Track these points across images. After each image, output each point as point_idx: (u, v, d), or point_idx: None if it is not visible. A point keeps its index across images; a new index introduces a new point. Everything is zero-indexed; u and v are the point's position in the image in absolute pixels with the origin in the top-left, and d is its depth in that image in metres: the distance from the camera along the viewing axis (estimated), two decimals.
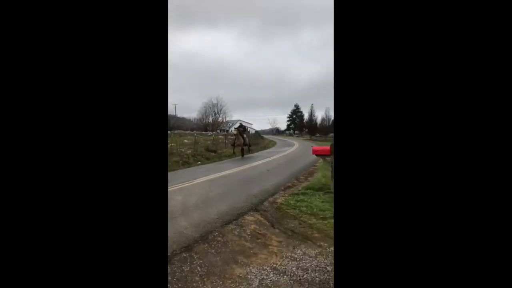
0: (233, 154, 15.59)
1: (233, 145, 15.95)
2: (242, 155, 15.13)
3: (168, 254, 3.27)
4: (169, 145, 16.19)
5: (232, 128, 17.02)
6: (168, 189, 6.68)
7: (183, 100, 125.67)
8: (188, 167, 11.28)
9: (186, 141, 19.66)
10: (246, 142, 16.11)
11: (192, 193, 6.38)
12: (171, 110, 61.53)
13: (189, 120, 68.90)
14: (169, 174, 9.31)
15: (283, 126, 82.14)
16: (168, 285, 2.69)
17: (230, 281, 2.78)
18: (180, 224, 4.28)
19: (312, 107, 68.93)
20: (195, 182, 7.77)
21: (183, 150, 14.77)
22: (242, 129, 16.37)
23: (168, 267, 2.98)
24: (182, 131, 43.99)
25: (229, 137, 16.52)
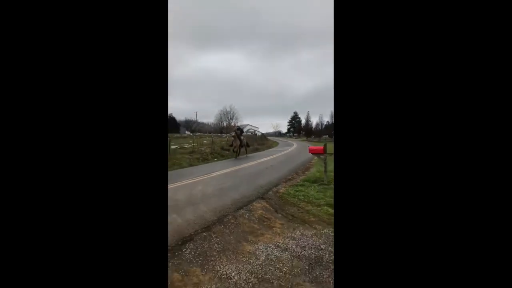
0: (234, 154, 13.93)
1: (231, 146, 14.56)
2: (237, 156, 13.65)
3: (191, 233, 3.31)
4: (191, 145, 16.28)
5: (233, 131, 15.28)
6: (191, 180, 6.74)
7: (203, 107, 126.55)
8: (207, 162, 11.32)
9: (205, 141, 19.71)
10: (243, 143, 14.68)
11: (210, 184, 6.41)
12: (193, 116, 61.84)
13: (207, 124, 69.01)
14: (191, 168, 9.39)
15: (284, 129, 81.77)
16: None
17: (241, 256, 2.80)
18: (201, 209, 4.32)
19: (308, 114, 69.32)
20: (212, 175, 7.80)
21: (202, 149, 14.84)
22: (239, 131, 14.95)
23: (191, 244, 3.02)
24: (201, 133, 44.19)
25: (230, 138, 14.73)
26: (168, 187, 5.97)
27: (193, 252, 2.84)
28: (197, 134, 38.11)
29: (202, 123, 69.48)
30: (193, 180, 6.83)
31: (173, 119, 61.69)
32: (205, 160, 11.90)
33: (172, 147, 13.63)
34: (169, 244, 3.01)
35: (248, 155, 14.93)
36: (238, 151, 13.90)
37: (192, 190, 5.65)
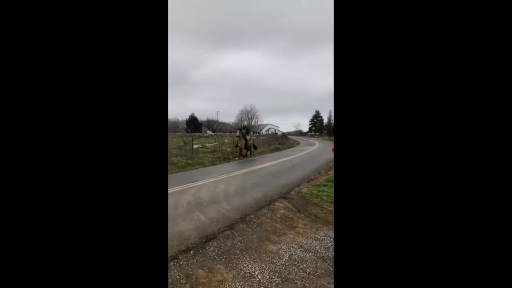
0: (240, 156, 12.74)
1: (236, 146, 13.47)
2: (240, 155, 12.63)
3: (215, 231, 3.37)
4: (213, 144, 16.52)
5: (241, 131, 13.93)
6: (213, 179, 6.86)
7: (223, 107, 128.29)
8: (228, 161, 11.46)
9: (226, 141, 19.99)
10: (249, 144, 13.26)
11: (231, 183, 6.48)
12: (214, 116, 62.88)
13: (228, 124, 69.89)
14: (213, 167, 9.53)
15: (305, 128, 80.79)
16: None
17: (264, 255, 2.80)
18: (223, 207, 4.38)
19: (330, 112, 67.27)
20: (233, 174, 7.88)
21: (224, 148, 15.05)
22: (245, 130, 13.82)
23: (215, 242, 3.07)
24: (222, 133, 44.78)
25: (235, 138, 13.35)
26: (192, 185, 6.12)
27: (216, 250, 2.89)
28: (218, 133, 38.66)
29: (223, 123, 70.54)
30: (215, 179, 6.94)
31: (195, 119, 63.08)
32: (226, 159, 12.05)
33: (195, 146, 13.95)
34: (193, 241, 3.08)
35: (253, 157, 13.12)
36: (245, 153, 12.95)
37: (215, 189, 5.74)
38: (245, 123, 62.30)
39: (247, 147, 13.16)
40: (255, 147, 14.40)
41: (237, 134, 13.42)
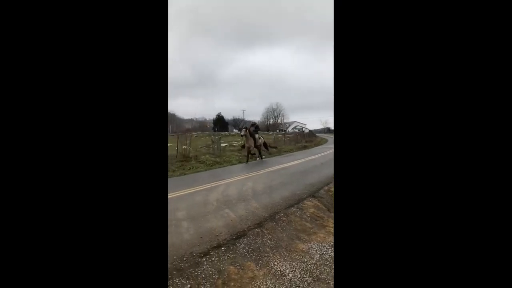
0: (250, 157, 10.96)
1: (242, 147, 11.45)
2: (248, 156, 10.84)
3: (244, 229, 3.41)
4: (239, 143, 16.69)
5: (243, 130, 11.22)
6: (241, 177, 6.94)
7: (250, 106, 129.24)
8: (255, 160, 11.54)
9: None
10: (258, 143, 11.24)
11: (259, 181, 6.52)
12: (240, 114, 63.58)
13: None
14: (240, 165, 9.64)
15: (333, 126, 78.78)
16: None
17: (295, 254, 2.79)
18: (252, 205, 4.42)
19: None
20: (260, 172, 7.92)
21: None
22: (253, 128, 11.54)
23: (245, 239, 3.12)
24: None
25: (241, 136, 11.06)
26: (220, 183, 6.25)
27: (247, 247, 2.93)
28: None
29: (249, 121, 70.94)
30: (242, 177, 7.03)
31: (222, 118, 64.27)
32: (252, 157, 12.13)
33: (222, 144, 14.23)
34: (224, 238, 3.15)
35: (264, 158, 11.59)
36: (248, 153, 10.90)
37: (243, 187, 5.81)
38: (271, 121, 62.05)
39: (256, 147, 11.15)
40: (266, 147, 12.40)
41: (242, 133, 10.85)
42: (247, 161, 10.58)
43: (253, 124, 12.19)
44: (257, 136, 11.29)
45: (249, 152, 10.83)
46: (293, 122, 69.21)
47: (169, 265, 2.53)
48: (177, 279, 2.32)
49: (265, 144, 12.19)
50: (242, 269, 2.51)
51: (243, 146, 11.45)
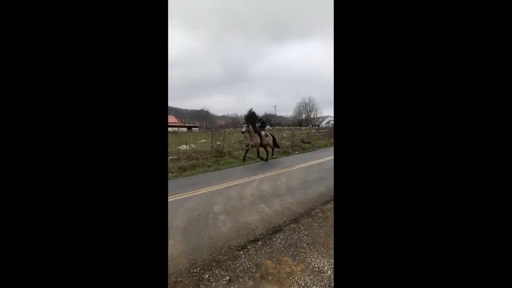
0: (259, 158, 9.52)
1: (246, 146, 9.60)
2: (263, 158, 9.48)
3: (280, 224, 3.41)
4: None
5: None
6: (274, 173, 6.94)
7: (281, 101, 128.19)
8: (287, 155, 11.46)
9: (284, 134, 19.98)
10: (265, 142, 9.70)
11: (293, 176, 6.46)
12: (272, 110, 63.47)
13: (286, 118, 69.75)
14: (272, 161, 9.63)
15: None
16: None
17: (332, 251, 2.72)
18: (287, 200, 4.40)
19: None
20: (294, 168, 7.84)
21: (283, 142, 15.07)
22: (259, 124, 9.85)
23: (281, 234, 3.11)
24: (280, 126, 44.91)
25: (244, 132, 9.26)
26: (253, 178, 6.31)
27: (283, 242, 2.93)
28: (276, 127, 38.93)
29: (281, 117, 70.57)
30: (276, 172, 7.03)
31: (253, 113, 64.71)
32: (285, 153, 12.06)
33: None
34: (260, 232, 3.18)
35: (297, 154, 10.70)
36: (264, 155, 9.60)
37: (276, 182, 5.81)
38: (303, 116, 60.88)
39: (262, 146, 9.54)
40: (276, 145, 10.68)
41: (244, 129, 9.07)
42: (244, 159, 9.29)
43: (260, 119, 10.39)
44: (263, 133, 9.62)
45: (258, 150, 9.41)
46: (326, 117, 67.31)
47: (208, 257, 2.62)
48: (217, 271, 2.40)
49: (274, 142, 10.46)
50: (279, 264, 2.52)
51: (247, 145, 9.49)
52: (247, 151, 9.45)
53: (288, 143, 14.65)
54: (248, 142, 9.46)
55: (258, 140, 9.24)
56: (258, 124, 9.76)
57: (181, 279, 2.29)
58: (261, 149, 9.75)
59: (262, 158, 9.51)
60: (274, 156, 10.52)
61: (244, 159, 9.32)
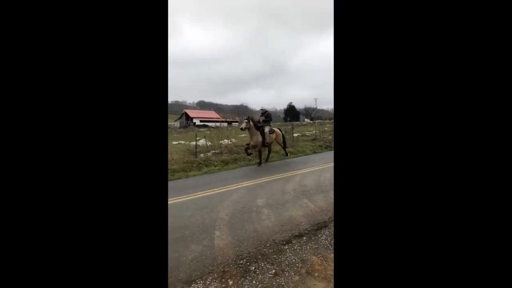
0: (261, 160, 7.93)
1: (248, 145, 7.92)
2: (263, 160, 8.07)
3: (325, 220, 3.33)
4: (312, 132, 16.28)
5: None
6: (317, 167, 6.79)
7: (322, 93, 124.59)
8: (330, 150, 11.10)
9: (326, 128, 19.37)
10: (270, 140, 8.06)
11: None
12: (312, 103, 61.93)
13: (327, 111, 67.60)
14: (315, 155, 9.42)
15: None
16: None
17: None
18: (331, 196, 4.27)
19: None
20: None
21: (325, 136, 14.65)
22: (263, 118, 8.13)
23: (326, 231, 3.04)
24: (322, 120, 43.64)
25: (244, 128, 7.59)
26: (295, 172, 6.25)
27: (329, 239, 2.86)
28: (317, 121, 37.94)
29: (322, 110, 68.60)
30: (319, 167, 6.86)
31: (293, 107, 63.88)
32: (328, 147, 11.69)
33: (295, 134, 14.14)
34: (305, 227, 3.14)
35: (273, 162, 8.40)
36: (262, 155, 8.00)
37: (319, 177, 5.68)
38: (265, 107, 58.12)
39: (266, 144, 7.95)
40: (285, 143, 9.14)
41: (243, 125, 7.54)
42: (245, 153, 8.11)
43: (263, 112, 8.31)
44: (267, 129, 7.94)
45: (257, 147, 7.77)
46: None
47: (254, 249, 2.68)
48: (262, 264, 2.43)
49: (283, 140, 9.06)
50: (325, 260, 2.47)
51: (248, 145, 7.92)
52: (246, 150, 8.00)
53: (330, 137, 14.18)
54: (251, 141, 7.80)
55: (260, 138, 7.64)
56: (261, 119, 8.10)
57: (228, 269, 2.37)
58: (264, 148, 8.13)
59: (260, 162, 7.87)
60: (289, 155, 9.24)
61: (249, 156, 8.19)
